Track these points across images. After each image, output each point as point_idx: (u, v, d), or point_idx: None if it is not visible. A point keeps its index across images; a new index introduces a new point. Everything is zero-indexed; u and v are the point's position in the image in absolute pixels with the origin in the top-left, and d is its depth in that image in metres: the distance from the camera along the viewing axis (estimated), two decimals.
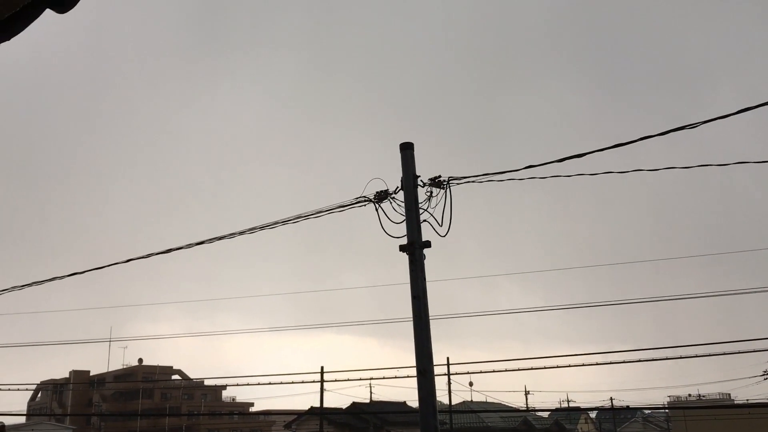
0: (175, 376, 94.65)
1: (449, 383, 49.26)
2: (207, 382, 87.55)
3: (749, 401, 59.87)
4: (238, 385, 79.81)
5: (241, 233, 9.42)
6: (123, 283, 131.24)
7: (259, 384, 35.01)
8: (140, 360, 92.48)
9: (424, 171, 9.20)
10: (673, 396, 66.71)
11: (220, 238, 9.40)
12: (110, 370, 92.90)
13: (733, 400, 62.33)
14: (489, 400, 64.35)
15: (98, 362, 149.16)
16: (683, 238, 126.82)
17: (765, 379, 62.48)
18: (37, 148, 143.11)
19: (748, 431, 51.30)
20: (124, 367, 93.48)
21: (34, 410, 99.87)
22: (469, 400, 63.54)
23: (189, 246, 9.66)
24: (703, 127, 7.34)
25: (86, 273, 11.26)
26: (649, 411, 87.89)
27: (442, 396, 51.99)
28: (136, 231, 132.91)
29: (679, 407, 59.48)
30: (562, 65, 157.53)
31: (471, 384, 61.99)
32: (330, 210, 9.31)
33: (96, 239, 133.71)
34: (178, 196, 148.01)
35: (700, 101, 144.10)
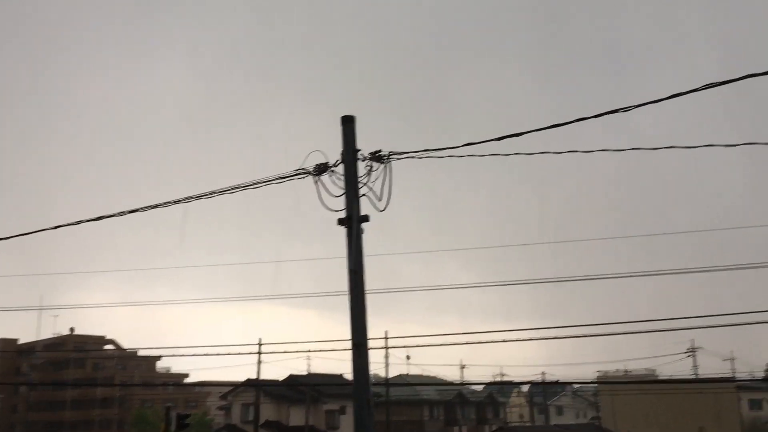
0: (108, 346, 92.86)
1: (386, 356, 49.81)
2: (141, 353, 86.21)
3: (673, 377, 62.57)
4: (173, 355, 79.07)
5: (177, 202, 9.22)
6: (54, 251, 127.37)
7: (194, 355, 34.75)
8: (72, 329, 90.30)
9: (366, 146, 9.18)
10: (601, 371, 69.06)
11: (154, 207, 9.19)
12: (40, 338, 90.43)
13: (657, 376, 65.03)
14: (425, 373, 65.42)
15: (27, 331, 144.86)
16: (617, 219, 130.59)
17: (688, 356, 65.45)
18: None
19: (671, 406, 53.68)
20: (55, 336, 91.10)
21: None
22: (406, 373, 64.44)
23: (121, 214, 9.42)
24: (639, 112, 7.52)
25: (12, 239, 10.87)
26: (579, 385, 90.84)
27: (379, 369, 52.59)
28: (74, 199, 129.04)
29: (606, 382, 61.59)
30: (507, 46, 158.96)
31: (408, 357, 62.84)
32: (268, 181, 9.20)
33: (31, 206, 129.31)
34: (116, 165, 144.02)
35: (640, 86, 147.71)
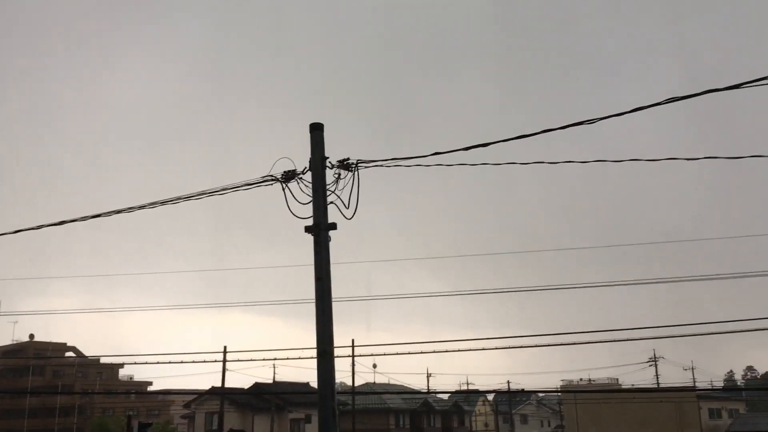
0: (69, 353, 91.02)
1: (353, 365, 49.61)
2: (103, 360, 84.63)
3: (635, 386, 63.45)
4: (136, 363, 77.51)
5: (141, 207, 9.09)
6: (14, 255, 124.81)
7: (158, 363, 34.30)
8: (31, 336, 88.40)
9: (335, 153, 9.17)
10: (565, 380, 69.72)
11: (118, 212, 9.05)
12: None
13: (620, 385, 65.84)
14: (392, 382, 65.34)
15: None
16: (583, 229, 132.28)
17: (650, 366, 66.43)
18: None
19: (633, 414, 54.39)
20: (14, 342, 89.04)
21: None
22: (373, 381, 64.30)
23: (84, 219, 9.25)
24: (606, 124, 7.65)
25: None
26: (543, 394, 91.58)
27: (345, 377, 52.36)
28: (35, 203, 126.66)
29: (570, 391, 62.17)
30: (476, 58, 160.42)
31: (375, 366, 62.78)
32: (235, 187, 9.13)
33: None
34: (79, 170, 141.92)
35: (609, 98, 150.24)
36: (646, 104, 7.10)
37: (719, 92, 6.65)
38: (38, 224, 9.72)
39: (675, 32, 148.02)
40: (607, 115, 7.16)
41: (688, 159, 8.20)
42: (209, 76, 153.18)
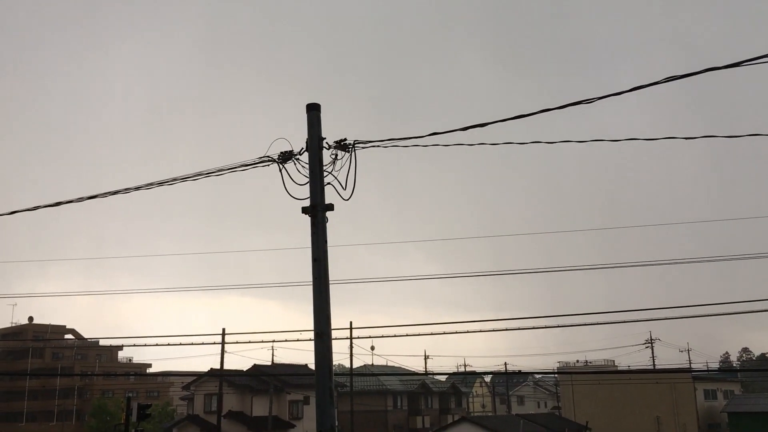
0: (68, 336, 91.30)
1: (351, 347, 49.81)
2: (102, 342, 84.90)
3: (630, 368, 63.76)
4: (135, 345, 77.76)
5: (137, 188, 9.03)
6: (11, 238, 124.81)
7: (157, 345, 34.39)
8: (30, 318, 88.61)
9: (333, 134, 9.10)
10: (562, 362, 70.03)
11: (113, 193, 8.99)
12: None
13: (617, 367, 66.17)
14: (390, 363, 65.62)
15: None
16: (581, 210, 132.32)
17: (646, 347, 66.73)
18: None
19: (628, 395, 54.72)
20: (13, 325, 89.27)
21: None
22: (370, 363, 64.59)
23: (80, 200, 9.19)
24: (603, 106, 7.59)
25: None
26: (540, 375, 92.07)
27: (343, 359, 52.63)
28: (32, 185, 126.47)
29: (567, 372, 62.48)
30: (475, 40, 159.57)
31: (372, 348, 63.06)
32: (232, 168, 9.07)
33: None
34: (79, 153, 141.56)
35: (605, 82, 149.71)
36: (645, 83, 7.04)
37: (718, 71, 6.59)
38: (34, 206, 9.66)
39: (674, 18, 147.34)
40: (605, 94, 7.09)
41: (686, 138, 8.15)
42: (208, 59, 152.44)
